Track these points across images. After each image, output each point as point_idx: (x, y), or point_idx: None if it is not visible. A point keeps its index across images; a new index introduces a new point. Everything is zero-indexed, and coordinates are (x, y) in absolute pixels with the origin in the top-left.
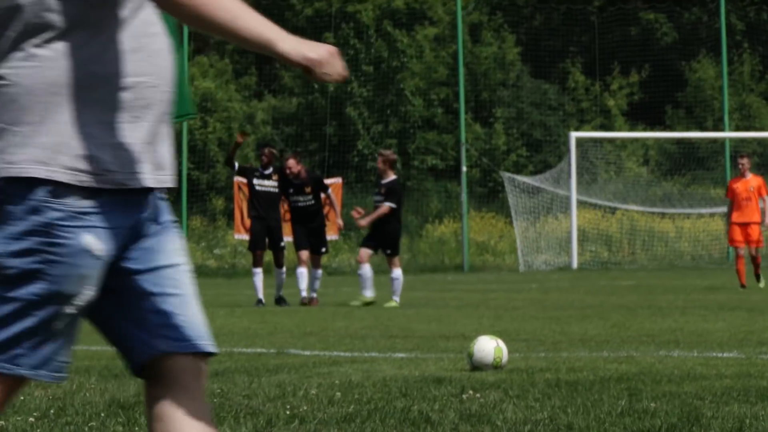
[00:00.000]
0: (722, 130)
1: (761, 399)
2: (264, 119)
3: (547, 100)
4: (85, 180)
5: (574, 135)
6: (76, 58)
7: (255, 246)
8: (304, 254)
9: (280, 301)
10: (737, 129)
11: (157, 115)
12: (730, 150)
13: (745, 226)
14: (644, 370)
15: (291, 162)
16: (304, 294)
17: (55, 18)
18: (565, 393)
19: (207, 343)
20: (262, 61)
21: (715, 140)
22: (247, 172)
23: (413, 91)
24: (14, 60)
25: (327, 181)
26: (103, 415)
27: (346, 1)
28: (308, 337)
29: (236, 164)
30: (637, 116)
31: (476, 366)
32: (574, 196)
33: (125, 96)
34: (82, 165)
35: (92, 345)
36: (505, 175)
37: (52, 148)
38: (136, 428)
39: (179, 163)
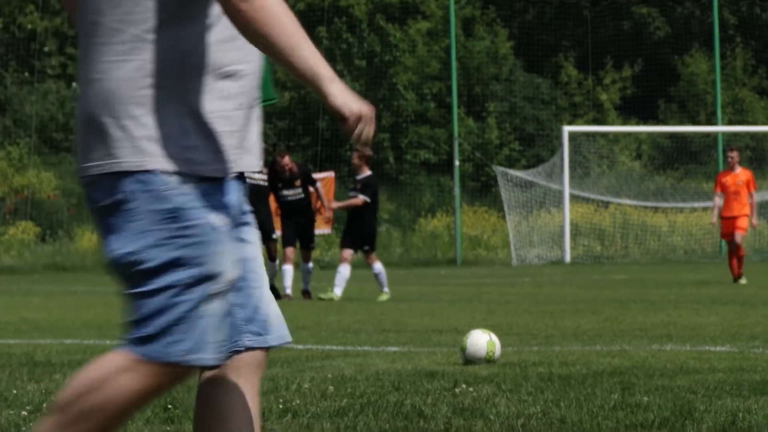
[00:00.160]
0: (715, 124)
1: (754, 393)
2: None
3: (539, 94)
4: (195, 168)
5: (566, 129)
6: (175, 48)
7: None
8: (291, 251)
9: (271, 290)
10: (730, 123)
11: (250, 102)
12: (723, 144)
13: (733, 219)
14: (637, 364)
15: (286, 160)
16: (289, 291)
17: (154, 9)
18: (557, 387)
19: (286, 335)
20: None
21: (707, 134)
22: None
23: (406, 86)
24: (113, 53)
25: (320, 175)
26: None
27: None
28: (301, 330)
29: None
30: (630, 110)
31: (469, 360)
32: (566, 190)
33: (223, 85)
34: (191, 154)
35: (85, 339)
36: (498, 169)
37: (160, 140)
38: (129, 422)
39: None
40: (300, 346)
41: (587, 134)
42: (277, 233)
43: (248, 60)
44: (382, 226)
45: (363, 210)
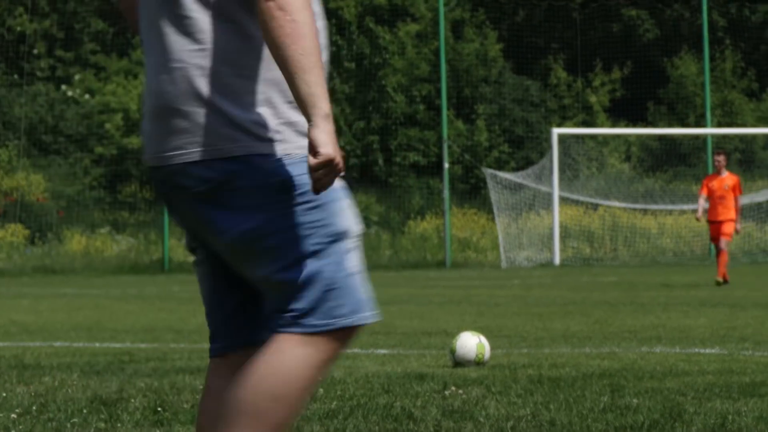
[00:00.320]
0: (704, 126)
1: (743, 395)
2: None
3: (529, 96)
4: (286, 148)
5: (556, 131)
6: (253, 36)
7: None
8: None
9: None
10: (719, 125)
11: None
12: (712, 146)
13: (719, 224)
14: (626, 366)
15: None
16: None
17: None
18: (547, 389)
19: None
20: None
21: (697, 137)
22: None
23: (395, 88)
24: (196, 42)
25: None
26: (85, 411)
27: None
28: None
29: None
30: (619, 112)
31: (459, 362)
32: (556, 193)
33: None
34: (281, 136)
35: (74, 341)
36: (487, 172)
37: (252, 124)
38: (119, 425)
39: None
40: None
41: (576, 136)
42: None
43: (325, 50)
44: (372, 228)
45: None
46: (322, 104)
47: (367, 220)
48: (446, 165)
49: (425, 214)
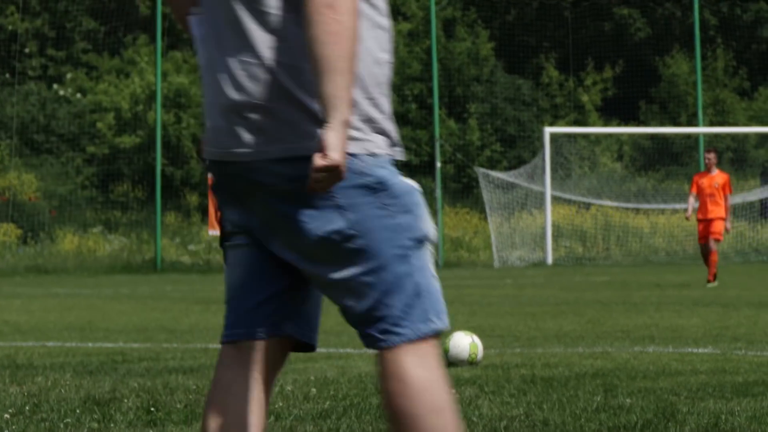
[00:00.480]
0: (696, 125)
1: (736, 394)
2: None
3: (521, 95)
4: (389, 150)
5: (548, 130)
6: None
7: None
8: None
9: None
10: (711, 124)
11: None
12: (704, 145)
13: (709, 222)
14: (619, 365)
15: None
16: None
17: None
18: (540, 389)
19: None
20: None
21: (689, 135)
22: None
23: None
24: (283, 39)
25: None
26: (78, 411)
27: None
28: None
29: None
30: (611, 111)
31: (451, 362)
32: (548, 192)
33: (379, 71)
34: (378, 137)
35: (66, 341)
36: (480, 171)
37: (360, 123)
38: (111, 425)
39: (153, 159)
40: None
41: (568, 135)
42: None
43: (391, 50)
44: None
45: None
46: (343, 109)
47: None
48: (438, 164)
49: None
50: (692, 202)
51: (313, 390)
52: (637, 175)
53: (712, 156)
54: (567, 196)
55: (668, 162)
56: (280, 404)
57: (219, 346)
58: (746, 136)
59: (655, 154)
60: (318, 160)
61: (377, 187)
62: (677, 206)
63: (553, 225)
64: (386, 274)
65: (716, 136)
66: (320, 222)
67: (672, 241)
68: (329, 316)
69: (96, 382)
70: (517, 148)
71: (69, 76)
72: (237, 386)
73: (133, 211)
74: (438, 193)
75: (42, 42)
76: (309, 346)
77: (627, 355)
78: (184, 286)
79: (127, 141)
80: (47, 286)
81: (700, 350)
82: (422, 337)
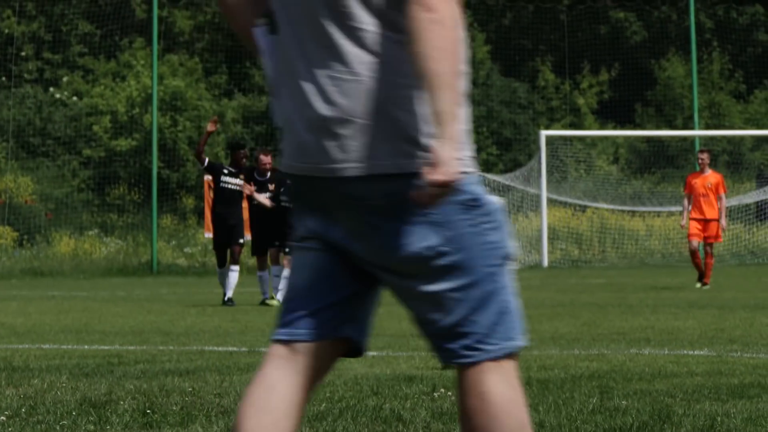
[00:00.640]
0: (692, 128)
1: (732, 396)
2: (234, 118)
3: (516, 98)
4: (473, 167)
5: (544, 133)
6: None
7: (218, 246)
8: (263, 259)
9: (228, 302)
10: (707, 127)
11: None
12: (700, 148)
13: (702, 222)
14: (615, 368)
15: (268, 158)
16: (267, 296)
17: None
18: (536, 391)
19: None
20: (232, 59)
21: (684, 138)
22: (215, 169)
23: None
24: (369, 54)
25: None
26: (74, 413)
27: None
28: None
29: (206, 159)
30: (607, 114)
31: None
32: (544, 195)
33: (464, 85)
34: (466, 152)
35: (63, 344)
36: None
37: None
38: (108, 427)
39: (149, 162)
40: None
41: (564, 138)
42: (247, 237)
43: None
44: None
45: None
46: (453, 124)
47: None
48: None
49: None
50: (686, 205)
51: None
52: (632, 177)
53: (705, 156)
54: (563, 198)
55: (664, 165)
56: None
57: (215, 348)
58: (742, 139)
59: (651, 156)
60: (432, 176)
61: (472, 205)
62: (673, 209)
63: (549, 228)
64: (476, 291)
65: (712, 139)
66: (414, 237)
67: (668, 243)
68: None
69: (92, 385)
70: (513, 151)
71: (65, 79)
72: (283, 387)
73: (129, 214)
74: None
75: (38, 45)
76: (358, 351)
77: (623, 357)
78: (180, 288)
79: (123, 144)
80: (43, 289)
81: (696, 352)
82: (505, 355)
